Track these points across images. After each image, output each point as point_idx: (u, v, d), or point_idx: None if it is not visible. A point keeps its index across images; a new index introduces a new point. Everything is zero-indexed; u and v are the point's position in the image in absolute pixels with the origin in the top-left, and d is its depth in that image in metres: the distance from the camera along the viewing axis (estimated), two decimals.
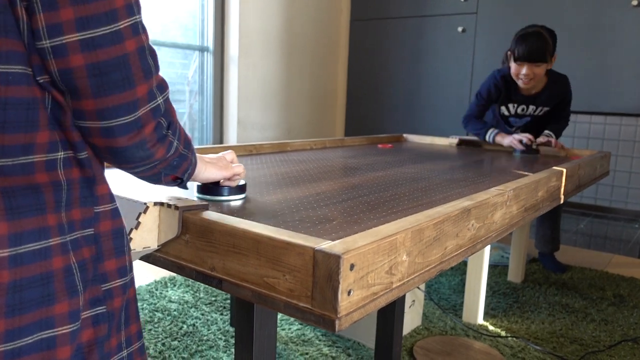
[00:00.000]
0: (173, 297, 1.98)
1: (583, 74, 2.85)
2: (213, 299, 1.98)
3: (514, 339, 1.76)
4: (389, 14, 3.42)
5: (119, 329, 0.63)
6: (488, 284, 2.29)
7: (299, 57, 3.24)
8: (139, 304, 1.91)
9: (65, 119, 0.57)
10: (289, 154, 1.73)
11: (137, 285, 2.09)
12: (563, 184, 1.47)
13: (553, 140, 2.15)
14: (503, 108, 2.38)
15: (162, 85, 0.62)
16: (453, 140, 2.41)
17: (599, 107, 2.93)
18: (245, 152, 1.65)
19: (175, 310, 1.86)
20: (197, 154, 0.80)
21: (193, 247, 0.74)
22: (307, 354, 1.60)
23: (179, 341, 1.65)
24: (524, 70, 2.12)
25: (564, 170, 1.46)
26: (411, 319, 1.79)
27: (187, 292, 2.03)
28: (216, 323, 1.78)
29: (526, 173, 1.50)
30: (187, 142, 0.71)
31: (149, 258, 0.79)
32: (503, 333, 1.81)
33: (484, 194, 1.00)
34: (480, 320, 1.90)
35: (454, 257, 0.85)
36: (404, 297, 1.41)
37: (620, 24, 2.86)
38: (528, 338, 1.77)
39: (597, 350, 1.70)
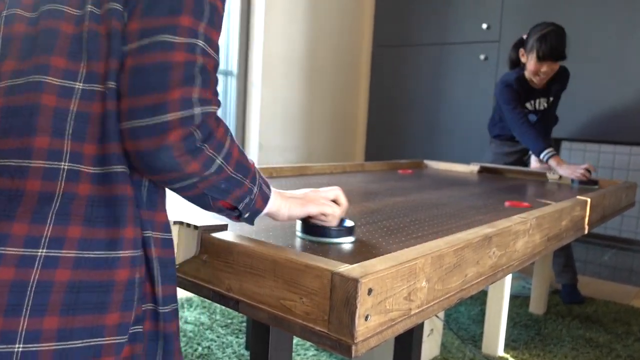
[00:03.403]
0: (189, 319, 1.97)
1: (608, 104, 2.82)
2: (229, 321, 1.97)
3: None
4: (411, 41, 3.45)
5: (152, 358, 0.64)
6: (509, 315, 2.23)
7: (321, 81, 3.28)
8: None
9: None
10: (308, 177, 1.73)
11: None
12: (587, 213, 1.44)
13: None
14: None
15: (207, 100, 0.60)
16: (474, 167, 2.39)
17: (624, 137, 2.89)
18: (265, 174, 1.66)
19: (190, 332, 1.86)
20: (279, 190, 0.76)
21: (211, 267, 0.74)
22: None
23: None
24: (544, 68, 2.18)
25: (588, 199, 1.43)
26: (429, 348, 1.75)
27: (203, 313, 2.03)
28: (231, 346, 1.77)
29: (549, 202, 1.47)
30: (241, 167, 0.65)
31: None
32: None
33: (506, 221, 0.98)
34: (500, 352, 1.85)
35: (474, 285, 0.83)
36: (422, 324, 1.39)
37: None
38: None
39: None
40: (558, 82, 2.35)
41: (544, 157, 2.10)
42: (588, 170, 1.97)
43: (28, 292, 0.53)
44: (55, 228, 0.55)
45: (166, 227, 0.66)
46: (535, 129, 2.20)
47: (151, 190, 0.64)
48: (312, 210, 0.78)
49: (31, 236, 0.54)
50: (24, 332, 0.52)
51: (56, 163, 0.57)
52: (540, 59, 2.16)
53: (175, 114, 0.57)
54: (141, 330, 0.61)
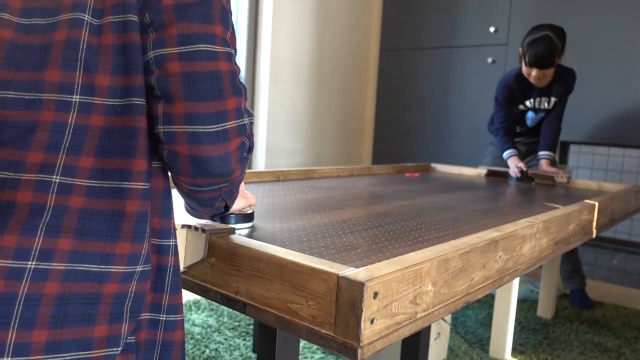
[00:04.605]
0: (197, 321, 1.98)
1: (617, 106, 2.81)
2: (237, 323, 1.98)
3: None
4: (419, 44, 3.45)
5: None
6: (517, 319, 2.22)
7: (329, 85, 3.28)
8: None
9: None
10: (315, 180, 1.73)
11: None
12: (595, 217, 1.44)
13: (554, 170, 2.28)
14: (521, 106, 2.43)
15: (249, 111, 0.64)
16: (481, 171, 2.39)
17: (634, 141, 2.87)
18: (272, 178, 1.67)
19: (198, 334, 1.86)
20: None
21: (218, 270, 0.74)
22: None
23: None
24: (533, 73, 2.20)
25: (596, 203, 1.42)
26: (436, 352, 1.75)
27: (211, 316, 2.04)
28: (238, 348, 1.77)
29: (557, 205, 1.47)
30: None
31: None
32: None
33: (513, 225, 0.98)
34: (508, 356, 1.85)
35: (480, 289, 0.84)
36: (429, 328, 1.39)
37: None
38: None
39: None
40: (560, 82, 2.34)
41: (505, 157, 2.32)
42: (523, 170, 2.16)
43: (17, 305, 0.52)
44: (45, 240, 0.54)
45: (174, 234, 0.66)
46: (508, 133, 2.38)
47: (165, 199, 0.64)
48: (245, 203, 0.86)
49: (21, 248, 0.54)
50: (12, 345, 0.52)
51: (48, 176, 0.56)
52: (527, 65, 2.19)
53: (233, 122, 0.60)
54: (133, 340, 0.61)
